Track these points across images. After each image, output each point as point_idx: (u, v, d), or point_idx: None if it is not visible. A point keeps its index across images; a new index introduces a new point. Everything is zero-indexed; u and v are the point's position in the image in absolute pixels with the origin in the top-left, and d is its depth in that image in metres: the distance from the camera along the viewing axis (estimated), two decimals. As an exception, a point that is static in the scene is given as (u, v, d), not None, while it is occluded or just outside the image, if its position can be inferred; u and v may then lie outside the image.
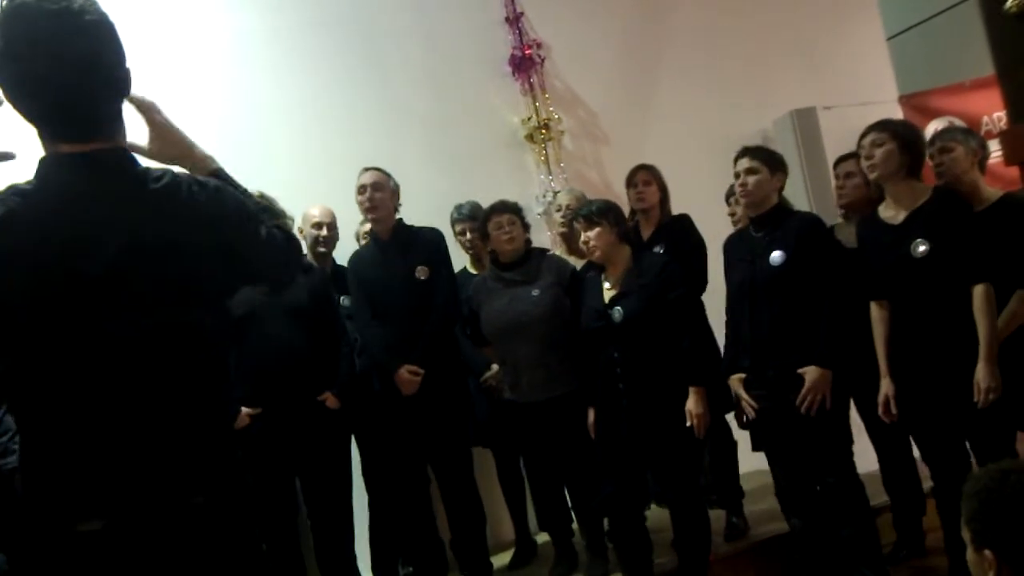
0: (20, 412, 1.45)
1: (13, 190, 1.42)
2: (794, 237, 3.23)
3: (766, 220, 3.33)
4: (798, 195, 5.19)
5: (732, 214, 3.97)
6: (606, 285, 3.45)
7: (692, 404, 3.31)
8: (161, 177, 1.48)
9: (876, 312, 3.19)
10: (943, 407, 3.01)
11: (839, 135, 5.01)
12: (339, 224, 4.21)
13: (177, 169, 1.56)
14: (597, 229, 3.42)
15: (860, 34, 5.84)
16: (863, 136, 3.16)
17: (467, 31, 5.15)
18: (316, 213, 4.10)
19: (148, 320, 1.42)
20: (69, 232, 1.39)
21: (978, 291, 2.93)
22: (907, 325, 3.09)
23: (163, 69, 4.07)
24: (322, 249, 4.11)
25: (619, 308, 3.35)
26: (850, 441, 3.29)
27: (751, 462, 3.92)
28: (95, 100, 1.45)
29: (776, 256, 3.22)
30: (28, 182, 1.43)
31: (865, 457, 3.51)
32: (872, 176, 3.15)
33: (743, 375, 3.33)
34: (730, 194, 3.98)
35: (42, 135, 1.45)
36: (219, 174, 1.63)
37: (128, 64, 1.49)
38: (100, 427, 1.41)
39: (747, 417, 3.36)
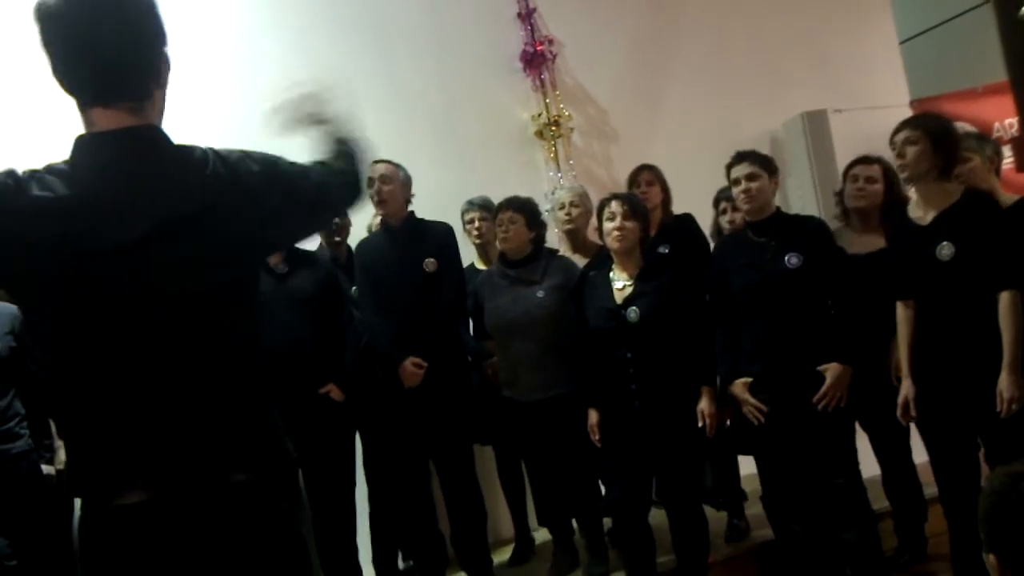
0: (62, 386, 1.47)
1: (48, 168, 1.45)
2: (807, 241, 3.23)
3: (768, 224, 3.31)
4: (807, 198, 5.18)
5: (731, 222, 3.86)
6: (617, 284, 3.41)
7: (704, 404, 3.31)
8: (192, 151, 1.52)
9: (902, 312, 3.15)
10: (961, 413, 2.98)
11: (850, 138, 5.00)
12: (351, 215, 4.19)
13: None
14: (633, 222, 3.39)
15: (873, 37, 5.82)
16: (896, 132, 3.08)
17: (479, 26, 5.14)
18: None
19: (183, 290, 1.45)
20: (103, 203, 1.42)
21: (1004, 298, 2.88)
22: (930, 328, 3.05)
23: (173, 63, 4.08)
24: (337, 238, 4.11)
25: (635, 308, 3.32)
26: (855, 443, 3.30)
27: (752, 465, 3.91)
28: (130, 66, 1.48)
29: (793, 259, 3.20)
30: (63, 161, 1.47)
31: (863, 463, 3.49)
32: (902, 176, 3.09)
33: (747, 379, 3.31)
34: (721, 199, 3.92)
35: (79, 102, 1.49)
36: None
37: (167, 50, 1.54)
38: (140, 401, 1.43)
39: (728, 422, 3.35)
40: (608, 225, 3.40)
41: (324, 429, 3.71)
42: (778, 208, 3.37)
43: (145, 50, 1.51)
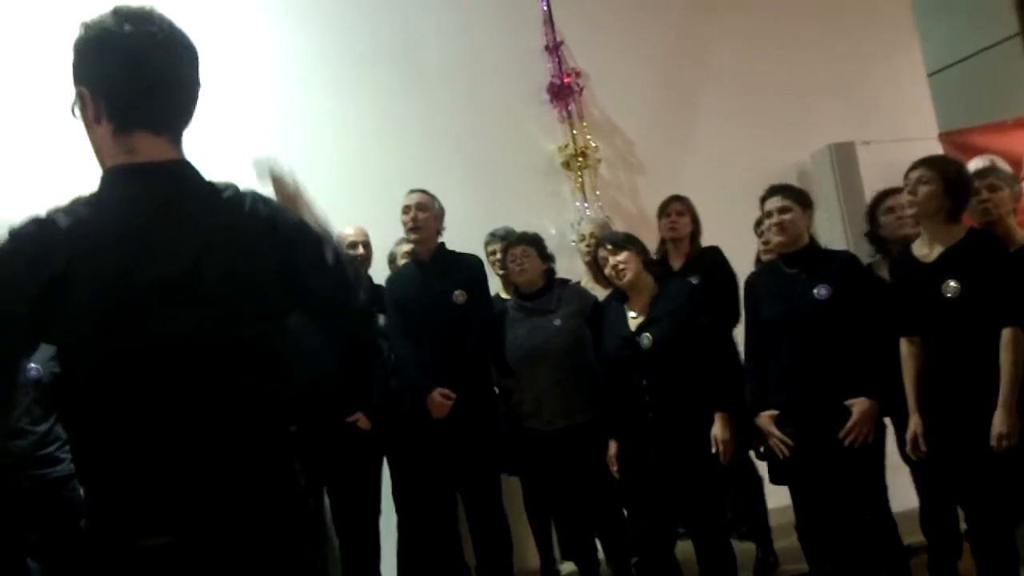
0: (87, 426, 1.44)
1: (78, 201, 1.43)
2: (837, 273, 3.22)
3: (801, 257, 3.31)
4: (835, 230, 5.16)
5: (766, 243, 3.86)
6: (631, 314, 3.44)
7: (718, 430, 3.29)
8: (226, 189, 1.51)
9: (906, 348, 3.16)
10: (969, 448, 2.97)
11: (878, 170, 4.99)
12: (375, 245, 4.24)
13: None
14: (625, 253, 3.43)
15: (901, 69, 5.82)
16: (911, 169, 3.12)
17: (507, 59, 5.20)
18: (351, 232, 4.13)
19: (216, 330, 1.43)
20: (141, 237, 1.41)
21: (1005, 334, 2.90)
22: (937, 364, 3.07)
23: (216, 88, 4.18)
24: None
25: (648, 335, 3.34)
26: (884, 479, 3.26)
27: (781, 497, 3.87)
28: (179, 98, 1.50)
29: (822, 291, 3.20)
30: (92, 194, 1.45)
31: (899, 496, 3.46)
32: (909, 212, 3.14)
33: (774, 412, 3.30)
34: (760, 223, 3.94)
35: (121, 124, 1.46)
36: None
37: (197, 103, 1.54)
38: (166, 441, 1.41)
39: (763, 449, 3.34)
40: (607, 270, 3.48)
41: (351, 457, 3.73)
42: (811, 240, 3.37)
43: (192, 86, 1.52)
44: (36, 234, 1.38)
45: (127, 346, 1.38)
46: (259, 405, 1.47)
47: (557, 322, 3.77)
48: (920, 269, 3.09)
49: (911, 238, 3.54)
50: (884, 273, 3.47)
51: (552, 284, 3.92)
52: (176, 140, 1.51)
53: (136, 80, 1.44)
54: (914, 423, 3.10)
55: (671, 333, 3.32)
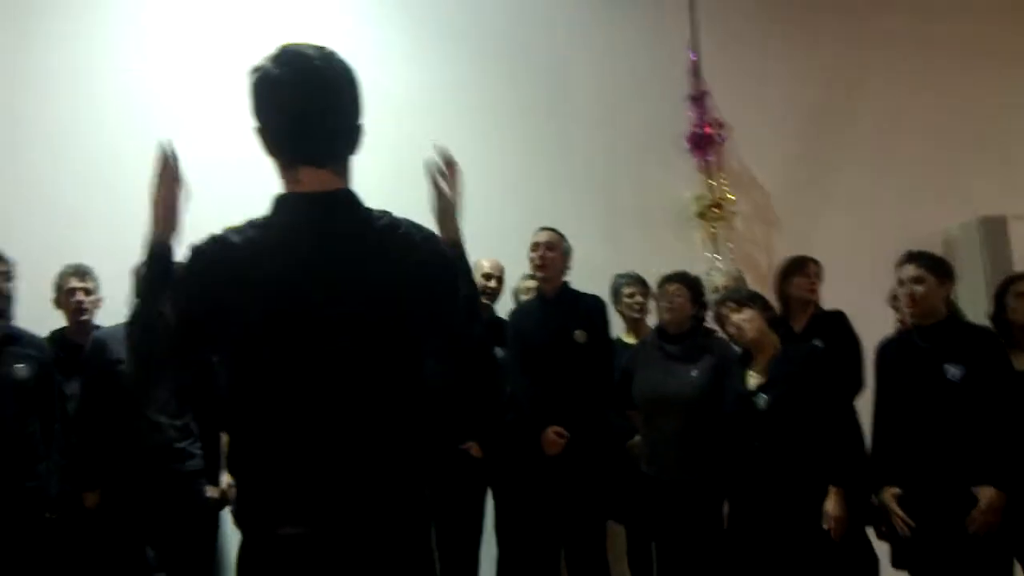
0: (237, 424, 1.60)
1: (250, 223, 1.58)
2: (971, 352, 3.08)
3: (936, 331, 3.17)
4: (978, 307, 4.93)
5: (901, 321, 3.71)
6: (751, 373, 3.40)
7: (831, 505, 3.18)
8: (383, 216, 1.64)
9: None
10: None
11: (1030, 248, 4.77)
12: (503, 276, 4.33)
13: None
14: (748, 311, 3.39)
15: (1062, 142, 5.55)
16: None
17: (650, 105, 5.24)
18: (487, 265, 4.24)
19: (361, 341, 1.54)
20: (299, 258, 1.54)
21: None
22: None
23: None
24: (486, 301, 4.24)
25: (764, 396, 3.27)
26: (1011, 571, 3.10)
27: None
28: (341, 133, 1.63)
29: (954, 371, 3.06)
30: (264, 217, 1.60)
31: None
32: None
33: (898, 490, 3.18)
34: (896, 297, 3.80)
35: (287, 160, 1.61)
36: (459, 245, 1.82)
37: (362, 121, 1.65)
38: (308, 442, 1.53)
39: (884, 529, 3.21)
40: (729, 327, 3.47)
41: (459, 484, 3.79)
42: (950, 314, 3.23)
43: (353, 119, 1.64)
44: (213, 249, 1.55)
45: (280, 352, 1.52)
46: (397, 413, 1.58)
47: (694, 373, 3.64)
48: None
49: None
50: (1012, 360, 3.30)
51: (697, 331, 3.81)
52: (339, 170, 1.62)
53: (288, 123, 1.58)
54: None
55: (788, 397, 3.25)
